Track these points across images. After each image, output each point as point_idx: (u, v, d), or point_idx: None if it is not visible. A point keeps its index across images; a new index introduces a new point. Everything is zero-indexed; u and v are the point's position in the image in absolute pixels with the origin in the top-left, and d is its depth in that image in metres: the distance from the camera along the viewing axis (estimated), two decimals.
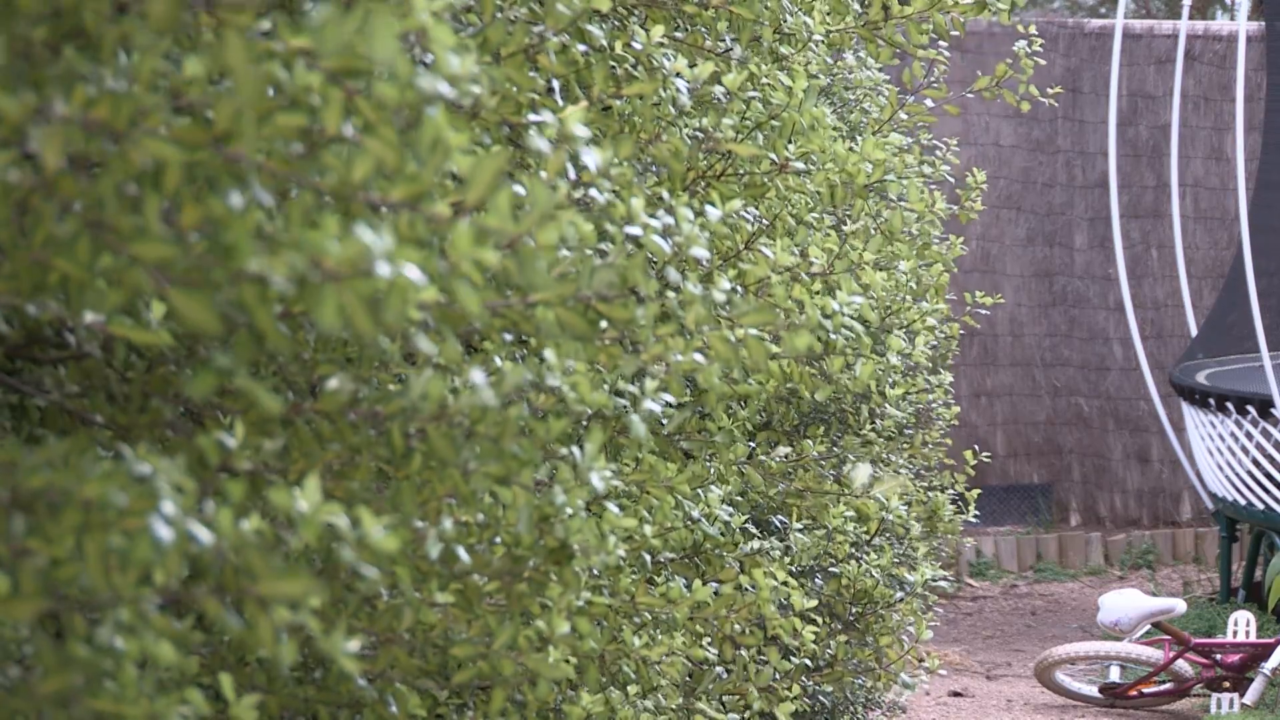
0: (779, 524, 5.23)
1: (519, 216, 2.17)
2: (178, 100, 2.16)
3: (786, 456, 5.57)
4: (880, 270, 5.06)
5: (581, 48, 3.22)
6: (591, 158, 2.33)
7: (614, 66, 3.27)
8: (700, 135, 3.47)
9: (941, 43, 4.76)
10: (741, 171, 3.57)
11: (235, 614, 2.28)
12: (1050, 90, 5.59)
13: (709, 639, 4.06)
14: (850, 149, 4.02)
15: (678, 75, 3.00)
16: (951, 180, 6.57)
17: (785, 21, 3.87)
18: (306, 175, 2.15)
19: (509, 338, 3.24)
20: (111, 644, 2.22)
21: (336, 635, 2.23)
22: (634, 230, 2.56)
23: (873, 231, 5.95)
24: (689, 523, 3.99)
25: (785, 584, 4.19)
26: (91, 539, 2.17)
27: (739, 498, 4.82)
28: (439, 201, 2.16)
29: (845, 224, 5.67)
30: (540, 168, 2.36)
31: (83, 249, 2.08)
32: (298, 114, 2.12)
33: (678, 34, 3.71)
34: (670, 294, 2.89)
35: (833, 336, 3.07)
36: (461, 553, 2.89)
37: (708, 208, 2.70)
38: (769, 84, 3.69)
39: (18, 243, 2.17)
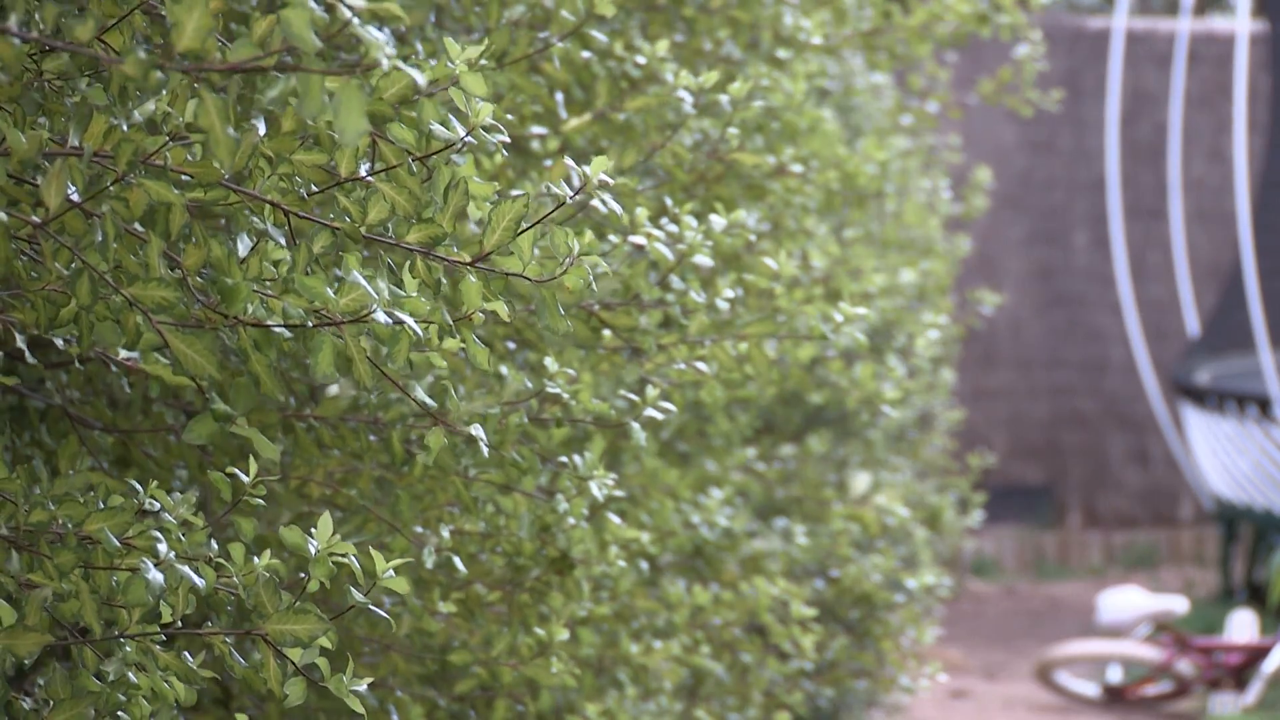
0: (782, 526, 5.23)
1: (540, 262, 2.17)
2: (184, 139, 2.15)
3: (789, 457, 5.56)
4: (880, 275, 5.06)
5: (586, 54, 3.21)
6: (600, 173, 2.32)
7: (617, 66, 3.26)
8: (702, 139, 3.46)
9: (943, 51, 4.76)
10: (742, 174, 3.57)
11: (243, 652, 2.28)
12: (1053, 94, 5.56)
13: (708, 647, 4.05)
14: (850, 151, 4.01)
15: (683, 89, 3.00)
16: (950, 193, 6.56)
17: (784, 23, 3.86)
18: (322, 217, 2.14)
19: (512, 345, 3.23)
20: (124, 676, 2.23)
21: (344, 676, 2.22)
22: (638, 240, 2.55)
23: (874, 236, 5.94)
24: (688, 527, 3.98)
25: (787, 592, 4.17)
26: (93, 576, 2.18)
27: (739, 498, 4.82)
28: (455, 245, 2.15)
29: (844, 229, 5.66)
30: (543, 178, 2.35)
31: (82, 289, 2.08)
32: (317, 152, 2.12)
33: (677, 38, 3.70)
34: (671, 297, 2.88)
35: (830, 354, 3.06)
36: (458, 562, 2.88)
37: (712, 217, 2.70)
38: (768, 85, 3.69)
39: (34, 276, 2.17)
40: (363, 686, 2.24)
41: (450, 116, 2.09)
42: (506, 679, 3.06)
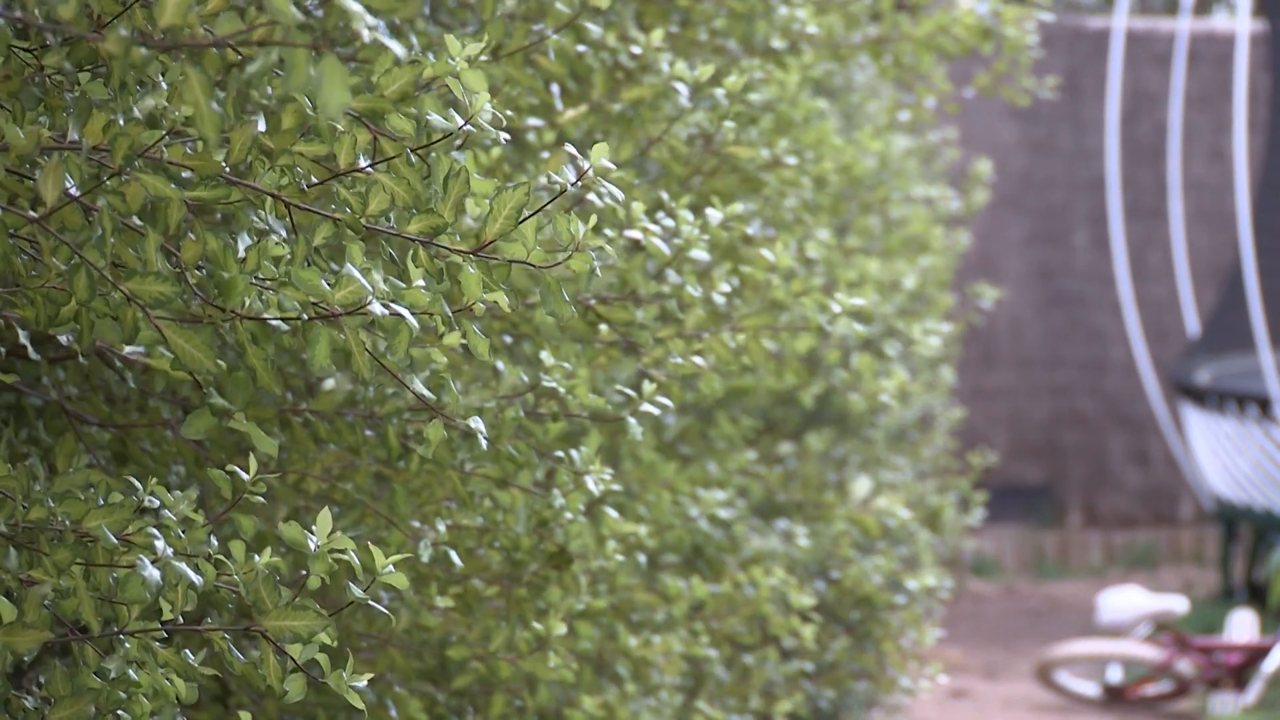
0: (783, 527, 5.22)
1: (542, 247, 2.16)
2: (183, 135, 2.15)
3: (788, 455, 5.55)
4: (883, 288, 5.05)
5: (580, 48, 3.20)
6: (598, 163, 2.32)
7: (610, 57, 3.25)
8: (698, 134, 3.46)
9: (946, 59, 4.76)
10: (737, 167, 3.56)
11: (243, 649, 2.28)
12: (1049, 84, 5.54)
13: (708, 638, 4.05)
14: (847, 140, 4.00)
15: (678, 80, 2.99)
16: (951, 192, 6.54)
17: (779, 14, 3.85)
18: (322, 209, 2.14)
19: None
20: (125, 674, 2.23)
21: (344, 671, 2.22)
22: (634, 234, 2.55)
23: (875, 235, 5.93)
24: (686, 521, 3.97)
25: (786, 583, 4.16)
26: (92, 573, 2.18)
27: (740, 498, 4.81)
28: (457, 234, 2.15)
29: (846, 232, 5.65)
30: (540, 169, 2.35)
31: (80, 284, 2.08)
32: (316, 144, 2.12)
33: (672, 29, 3.70)
34: (667, 289, 2.87)
35: (827, 347, 3.05)
36: (454, 556, 2.88)
37: (708, 210, 2.69)
38: (762, 78, 3.68)
39: (33, 274, 2.17)
40: (362, 683, 2.24)
41: (451, 110, 2.09)
42: (504, 674, 3.05)
